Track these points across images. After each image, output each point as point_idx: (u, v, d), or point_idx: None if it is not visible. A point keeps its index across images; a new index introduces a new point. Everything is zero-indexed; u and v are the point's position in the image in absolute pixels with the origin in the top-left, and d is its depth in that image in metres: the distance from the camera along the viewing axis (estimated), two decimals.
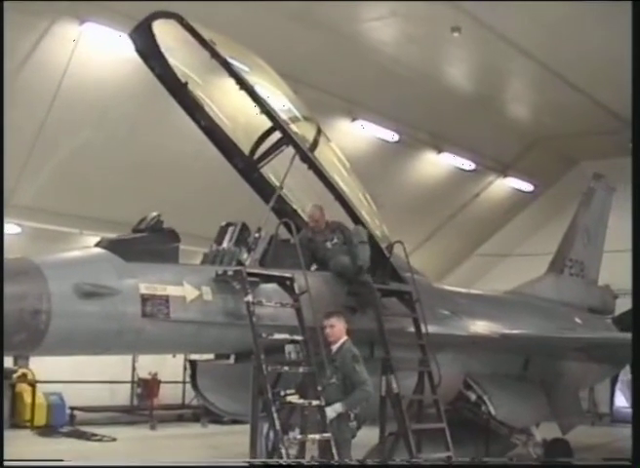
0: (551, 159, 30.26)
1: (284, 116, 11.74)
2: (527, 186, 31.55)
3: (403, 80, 22.17)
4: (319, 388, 10.42)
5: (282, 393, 10.21)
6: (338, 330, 11.03)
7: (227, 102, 12.13)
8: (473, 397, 14.95)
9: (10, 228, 21.05)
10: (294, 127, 11.86)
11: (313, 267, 12.43)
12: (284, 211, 12.88)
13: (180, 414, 26.71)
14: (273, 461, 10.19)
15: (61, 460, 12.93)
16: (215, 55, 10.90)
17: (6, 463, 9.19)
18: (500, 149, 28.98)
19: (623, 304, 19.53)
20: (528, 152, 29.60)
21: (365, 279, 12.12)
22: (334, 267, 12.30)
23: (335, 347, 11.03)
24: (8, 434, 21.74)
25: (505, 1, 18.29)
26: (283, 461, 9.85)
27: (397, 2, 18.76)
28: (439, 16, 19.32)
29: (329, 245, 12.54)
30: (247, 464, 10.44)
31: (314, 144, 11.96)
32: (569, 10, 18.67)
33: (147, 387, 25.73)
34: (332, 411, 10.47)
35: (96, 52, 17.87)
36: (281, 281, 10.90)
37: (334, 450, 10.17)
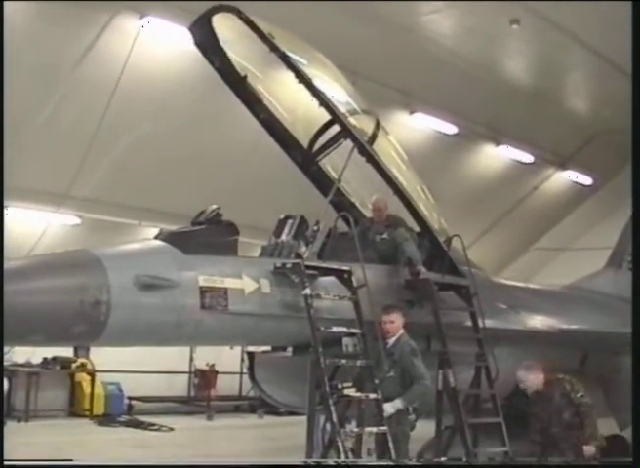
0: (611, 152, 29.83)
1: (343, 109, 11.69)
2: (586, 180, 31.16)
3: (461, 72, 22.01)
4: (376, 381, 10.43)
5: (339, 386, 10.22)
6: (396, 326, 11.05)
7: (286, 96, 12.15)
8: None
9: (69, 219, 21.39)
10: (352, 120, 11.81)
11: None
12: (342, 203, 12.90)
13: (237, 405, 26.87)
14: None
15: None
16: (274, 48, 10.88)
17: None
18: (559, 142, 28.65)
19: None
20: (587, 145, 29.22)
21: (423, 272, 12.11)
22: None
23: (391, 341, 11.05)
24: (67, 423, 22.21)
25: None
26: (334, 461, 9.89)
27: None
28: (497, 8, 19.16)
29: (377, 238, 12.57)
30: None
31: (373, 137, 11.91)
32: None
33: (205, 378, 25.90)
34: (391, 407, 10.50)
35: (155, 45, 18.02)
36: (339, 274, 10.88)
37: (390, 444, 10.18)
